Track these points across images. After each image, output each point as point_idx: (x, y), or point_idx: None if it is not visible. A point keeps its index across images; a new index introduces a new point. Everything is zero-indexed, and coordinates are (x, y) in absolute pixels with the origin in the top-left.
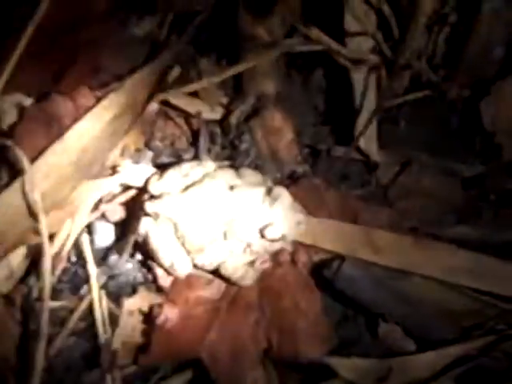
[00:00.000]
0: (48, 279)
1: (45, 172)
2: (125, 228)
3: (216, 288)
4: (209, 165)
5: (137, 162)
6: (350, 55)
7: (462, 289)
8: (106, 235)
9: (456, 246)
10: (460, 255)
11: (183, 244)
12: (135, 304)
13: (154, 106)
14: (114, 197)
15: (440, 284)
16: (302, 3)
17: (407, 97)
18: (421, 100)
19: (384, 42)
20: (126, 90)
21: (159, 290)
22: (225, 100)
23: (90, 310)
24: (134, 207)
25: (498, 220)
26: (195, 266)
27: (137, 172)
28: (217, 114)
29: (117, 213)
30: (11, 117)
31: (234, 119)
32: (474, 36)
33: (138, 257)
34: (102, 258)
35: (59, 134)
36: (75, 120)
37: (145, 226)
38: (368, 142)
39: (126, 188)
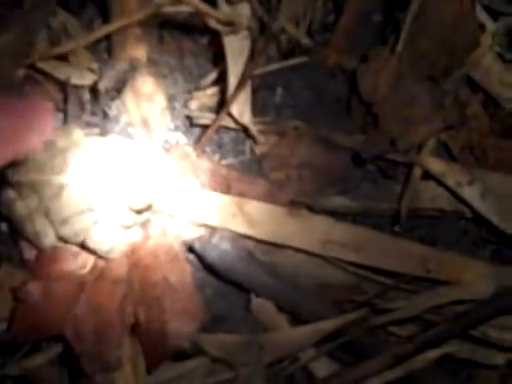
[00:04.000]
0: None
1: None
2: None
3: (82, 261)
4: (77, 132)
5: None
6: (222, 18)
7: (338, 262)
8: None
9: (333, 218)
10: (337, 227)
11: (47, 215)
12: None
13: (20, 71)
14: None
15: (315, 257)
16: None
17: (284, 63)
18: (298, 67)
19: (260, 5)
20: None
21: (24, 263)
22: (95, 65)
23: None
24: None
25: (377, 191)
26: (60, 238)
27: None
28: (86, 79)
29: None
30: None
31: (103, 85)
32: (351, 2)
33: (3, 229)
34: None
35: None
36: None
37: (8, 196)
38: (241, 109)
39: None
